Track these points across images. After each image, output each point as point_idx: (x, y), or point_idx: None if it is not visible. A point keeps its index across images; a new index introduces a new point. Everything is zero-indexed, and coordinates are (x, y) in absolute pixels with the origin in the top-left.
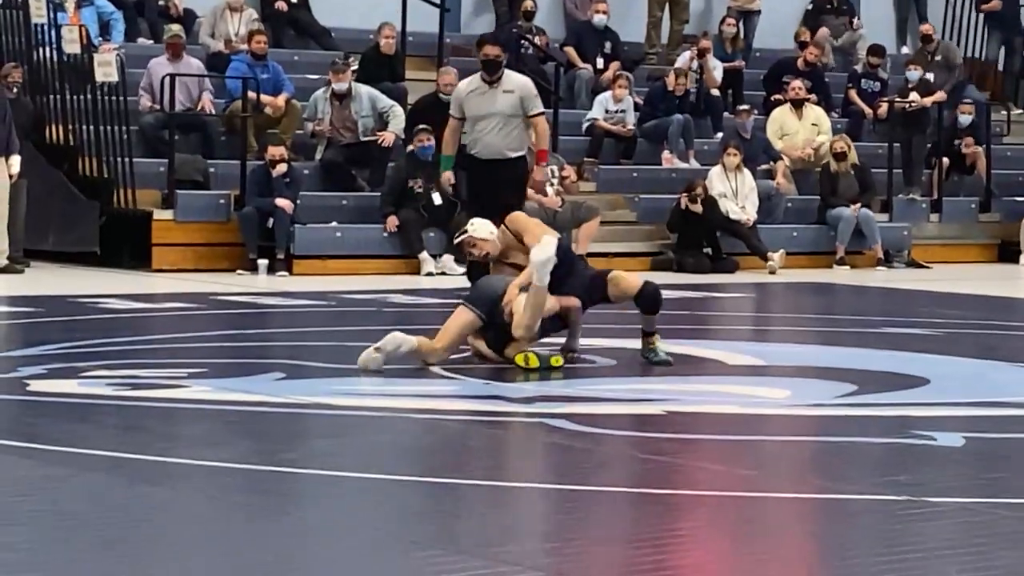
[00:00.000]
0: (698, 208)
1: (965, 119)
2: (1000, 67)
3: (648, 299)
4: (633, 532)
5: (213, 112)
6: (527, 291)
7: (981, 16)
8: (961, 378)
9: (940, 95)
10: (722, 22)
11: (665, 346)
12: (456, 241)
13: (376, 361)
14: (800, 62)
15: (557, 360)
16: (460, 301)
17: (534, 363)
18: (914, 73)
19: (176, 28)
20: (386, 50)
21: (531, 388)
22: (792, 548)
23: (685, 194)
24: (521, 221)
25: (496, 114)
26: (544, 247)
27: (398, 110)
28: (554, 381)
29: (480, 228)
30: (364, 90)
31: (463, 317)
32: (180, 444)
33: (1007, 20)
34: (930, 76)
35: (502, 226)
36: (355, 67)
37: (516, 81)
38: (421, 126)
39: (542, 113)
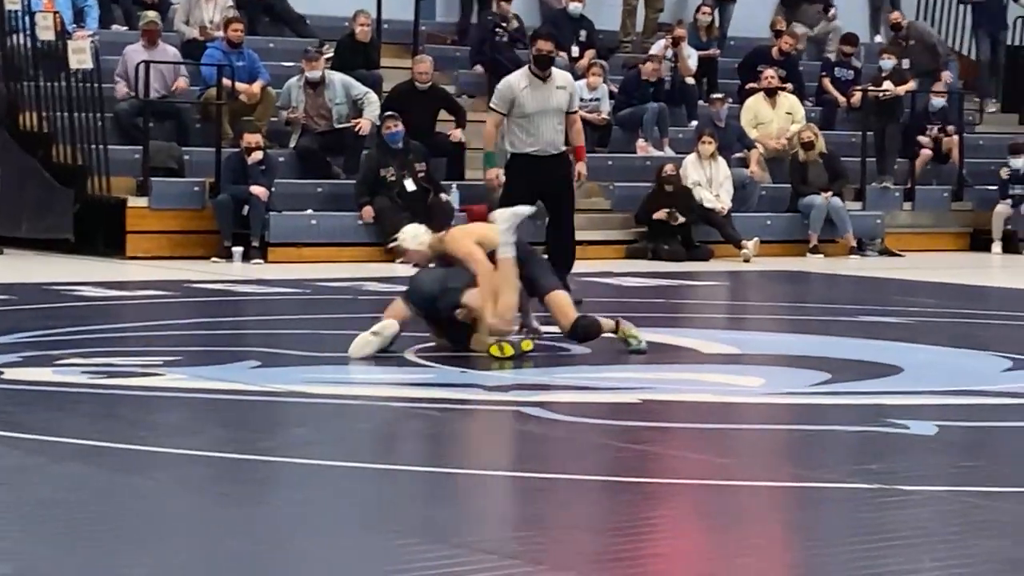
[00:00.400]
0: (672, 189)
1: (938, 102)
2: (974, 57)
3: (580, 334)
4: (608, 520)
5: (187, 100)
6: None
7: (955, 4)
8: (934, 366)
9: (911, 84)
10: (697, 10)
11: (635, 331)
12: (389, 247)
13: (371, 345)
14: (775, 51)
15: (528, 344)
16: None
17: (509, 352)
18: (887, 62)
19: (152, 15)
20: (361, 38)
21: (507, 376)
22: (766, 536)
23: (665, 211)
24: (455, 242)
25: (553, 110)
26: (519, 208)
27: (372, 97)
28: (529, 369)
29: (410, 238)
30: (337, 77)
31: (398, 310)
32: (156, 432)
33: (993, 14)
34: (906, 63)
35: (438, 238)
36: (330, 55)
37: (565, 77)
38: (388, 112)
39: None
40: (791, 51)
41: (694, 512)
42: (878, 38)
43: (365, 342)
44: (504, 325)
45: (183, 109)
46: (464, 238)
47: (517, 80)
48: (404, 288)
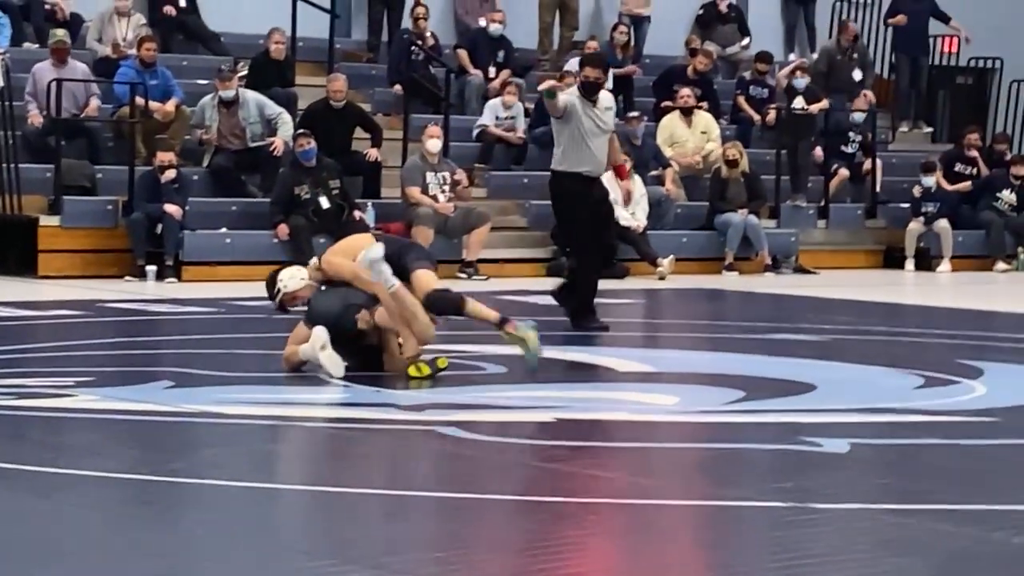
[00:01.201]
0: None
1: (859, 116)
2: (885, 76)
3: (433, 306)
4: (523, 540)
5: (100, 118)
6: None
7: (872, 24)
8: (847, 384)
9: (825, 103)
10: (614, 28)
11: (528, 336)
12: (276, 301)
13: (332, 359)
14: (690, 70)
15: (443, 362)
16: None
17: (426, 371)
18: (801, 80)
19: (61, 33)
20: (276, 55)
21: (422, 396)
22: (680, 555)
23: None
24: (336, 266)
25: (606, 132)
26: (369, 250)
27: (286, 117)
28: (445, 388)
29: (290, 281)
30: (251, 96)
31: (301, 335)
32: (66, 454)
33: (914, 37)
34: (858, 74)
35: (313, 267)
36: (243, 73)
37: (610, 98)
38: (300, 130)
39: None
40: (706, 70)
41: (610, 531)
42: (792, 56)
43: (327, 361)
44: (414, 352)
45: (95, 128)
46: (341, 259)
47: (572, 99)
48: (303, 313)
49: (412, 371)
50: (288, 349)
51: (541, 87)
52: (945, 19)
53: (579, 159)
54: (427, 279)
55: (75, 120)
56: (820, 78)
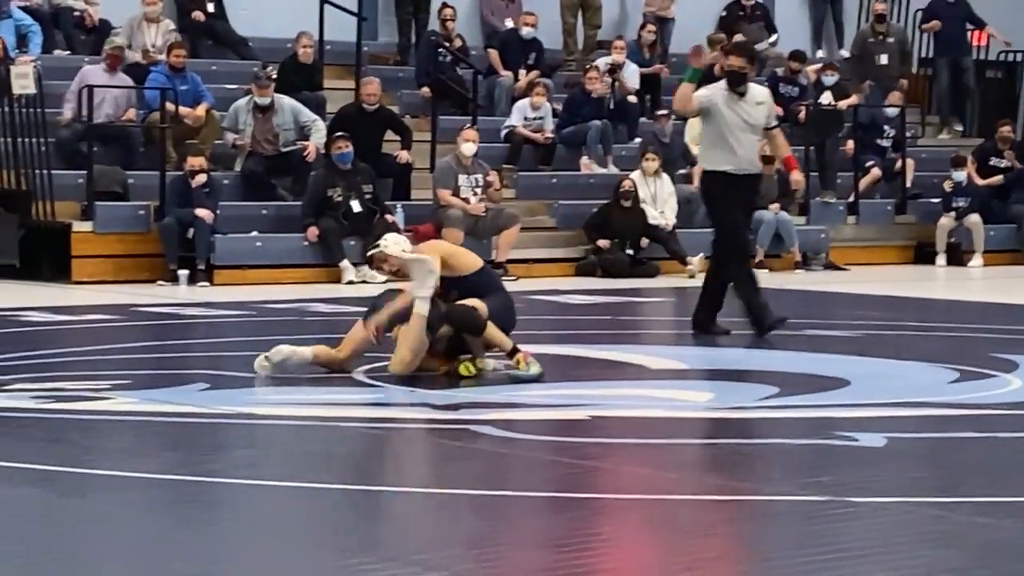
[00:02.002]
0: (629, 204)
1: (892, 111)
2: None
3: (453, 316)
4: (558, 536)
5: (132, 123)
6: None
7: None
8: (882, 379)
9: (854, 99)
10: (641, 28)
11: (527, 366)
12: (368, 254)
13: (265, 369)
14: (716, 69)
15: (482, 362)
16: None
17: (473, 371)
18: (829, 77)
19: (118, 40)
20: (304, 59)
21: (456, 395)
22: (716, 550)
23: (609, 242)
24: (407, 261)
25: (755, 126)
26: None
27: (320, 124)
28: (478, 388)
29: (392, 245)
30: (287, 103)
31: (360, 332)
32: (105, 456)
33: (953, 40)
34: (885, 57)
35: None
36: (273, 76)
37: (764, 92)
38: (338, 133)
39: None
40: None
41: (644, 527)
42: (820, 53)
43: (260, 365)
44: (402, 368)
45: (131, 133)
46: (432, 254)
47: (715, 92)
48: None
49: (463, 370)
50: (344, 347)
51: (692, 52)
52: (980, 24)
53: (722, 156)
54: (469, 301)
55: (108, 126)
56: (856, 64)
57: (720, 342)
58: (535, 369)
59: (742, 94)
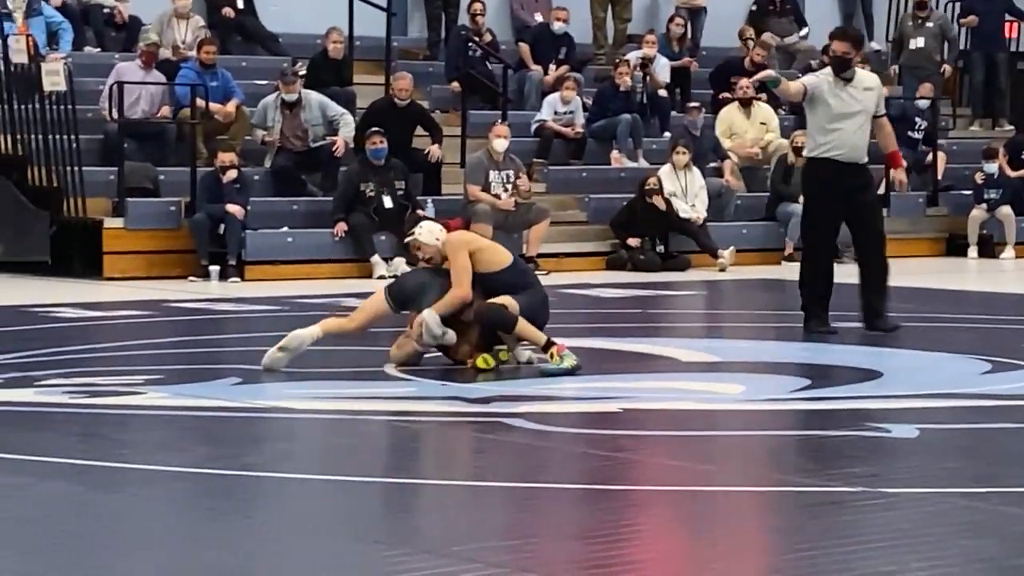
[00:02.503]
0: (660, 204)
1: (924, 103)
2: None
3: (484, 316)
4: (592, 528)
5: (161, 120)
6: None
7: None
8: (914, 370)
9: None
10: (670, 20)
11: (560, 359)
12: (405, 241)
13: (281, 361)
14: (746, 62)
15: (506, 354)
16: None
17: (492, 363)
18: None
19: (153, 36)
20: (334, 55)
21: (488, 388)
22: (749, 541)
23: (639, 240)
24: (449, 249)
25: (860, 113)
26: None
27: (348, 118)
28: (511, 381)
29: (427, 233)
30: (315, 98)
31: (377, 303)
32: (138, 450)
33: (988, 35)
34: (921, 41)
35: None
36: (303, 72)
37: (873, 78)
38: (374, 128)
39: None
40: (762, 62)
41: (677, 518)
42: None
43: (274, 359)
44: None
45: (165, 129)
46: (462, 249)
47: (819, 80)
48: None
49: (480, 363)
50: (356, 316)
51: (759, 77)
52: (1021, 15)
53: (828, 143)
54: (499, 299)
55: (140, 122)
56: (894, 47)
57: (751, 334)
58: (568, 362)
59: (848, 80)
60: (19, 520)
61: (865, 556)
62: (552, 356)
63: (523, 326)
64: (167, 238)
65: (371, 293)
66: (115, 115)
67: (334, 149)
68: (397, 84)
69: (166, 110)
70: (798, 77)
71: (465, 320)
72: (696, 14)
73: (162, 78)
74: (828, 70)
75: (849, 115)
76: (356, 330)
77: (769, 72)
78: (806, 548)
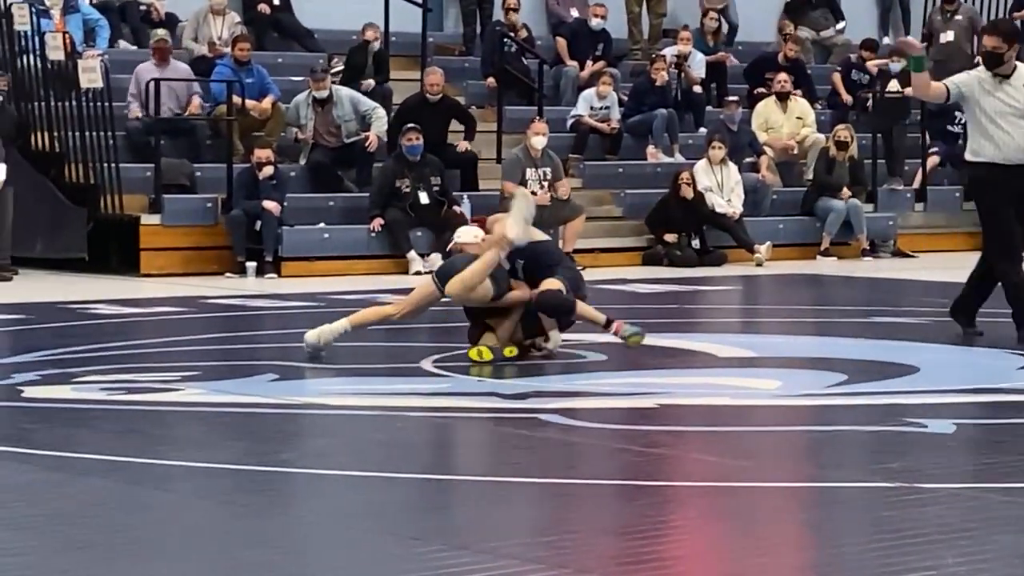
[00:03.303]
0: (688, 193)
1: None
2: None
3: (544, 304)
4: (629, 523)
5: (198, 116)
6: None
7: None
8: (950, 366)
9: None
10: (704, 15)
11: (633, 337)
12: (448, 249)
13: (334, 334)
14: (781, 57)
15: (511, 350)
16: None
17: (488, 356)
18: (895, 64)
19: (161, 32)
20: (371, 50)
21: (524, 384)
22: (786, 536)
23: (675, 236)
24: (496, 222)
25: (1020, 111)
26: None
27: (380, 112)
28: (546, 377)
29: (464, 234)
30: (345, 93)
31: (426, 288)
32: (176, 446)
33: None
34: (951, 35)
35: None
36: (338, 69)
37: None
38: (409, 125)
39: None
40: (797, 56)
41: (714, 514)
42: (886, 40)
43: (332, 331)
44: (460, 287)
45: (197, 126)
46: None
47: (970, 78)
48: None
49: (473, 355)
50: (402, 304)
51: (905, 47)
52: None
53: (986, 145)
54: (552, 283)
55: (175, 119)
56: (927, 43)
57: (787, 329)
58: (633, 329)
59: (1005, 76)
60: (56, 516)
61: (901, 552)
62: (617, 332)
63: (583, 308)
64: (203, 234)
65: (408, 289)
66: (140, 113)
67: (367, 144)
68: (428, 79)
69: (195, 104)
70: (837, 71)
71: (508, 304)
72: (723, 11)
73: (181, 71)
74: (982, 68)
75: (1007, 113)
76: (398, 315)
77: (915, 43)
78: (843, 544)
